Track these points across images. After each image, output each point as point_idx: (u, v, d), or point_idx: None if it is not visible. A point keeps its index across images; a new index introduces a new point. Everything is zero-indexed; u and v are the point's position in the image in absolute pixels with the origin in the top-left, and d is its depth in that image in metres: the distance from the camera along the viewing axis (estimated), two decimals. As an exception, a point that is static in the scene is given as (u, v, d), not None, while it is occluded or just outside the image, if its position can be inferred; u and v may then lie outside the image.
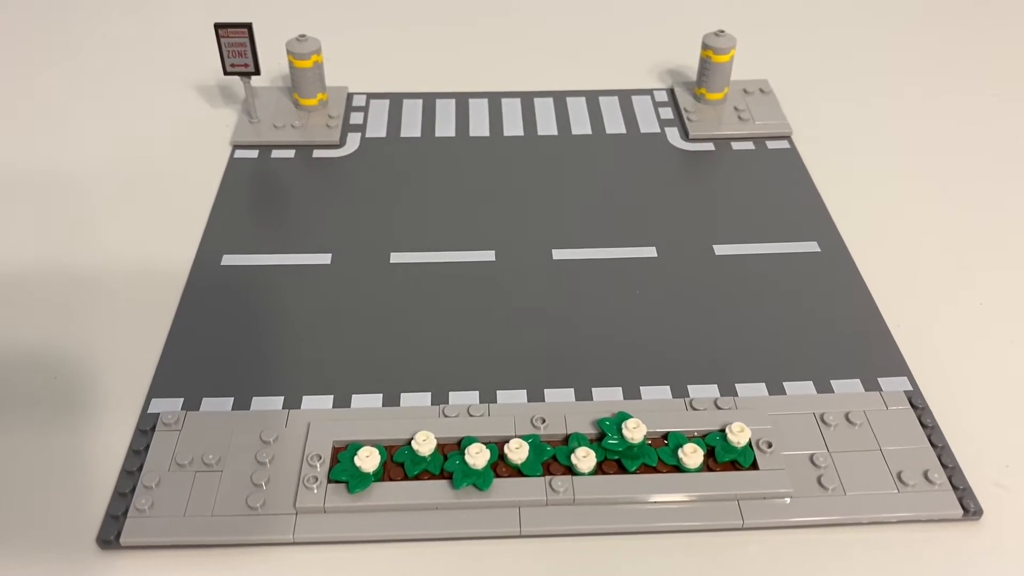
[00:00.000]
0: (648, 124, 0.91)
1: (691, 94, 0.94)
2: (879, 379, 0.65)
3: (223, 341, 0.67)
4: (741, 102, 0.92)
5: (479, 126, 0.91)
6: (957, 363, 0.67)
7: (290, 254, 0.75)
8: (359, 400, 0.63)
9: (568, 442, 0.59)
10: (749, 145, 0.88)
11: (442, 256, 0.75)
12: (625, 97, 0.95)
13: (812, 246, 0.76)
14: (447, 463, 0.57)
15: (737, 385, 0.64)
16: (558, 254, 0.75)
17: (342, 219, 0.79)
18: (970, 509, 0.56)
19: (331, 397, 0.63)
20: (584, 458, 0.57)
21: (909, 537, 0.56)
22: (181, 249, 0.75)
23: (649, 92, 0.96)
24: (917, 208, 0.81)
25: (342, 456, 0.58)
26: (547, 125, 0.91)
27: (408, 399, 0.63)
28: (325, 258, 0.75)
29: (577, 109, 0.93)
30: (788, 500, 0.57)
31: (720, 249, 0.76)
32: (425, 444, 0.58)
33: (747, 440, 0.59)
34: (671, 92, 0.96)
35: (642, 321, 0.69)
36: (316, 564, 0.54)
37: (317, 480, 0.57)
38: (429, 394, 0.63)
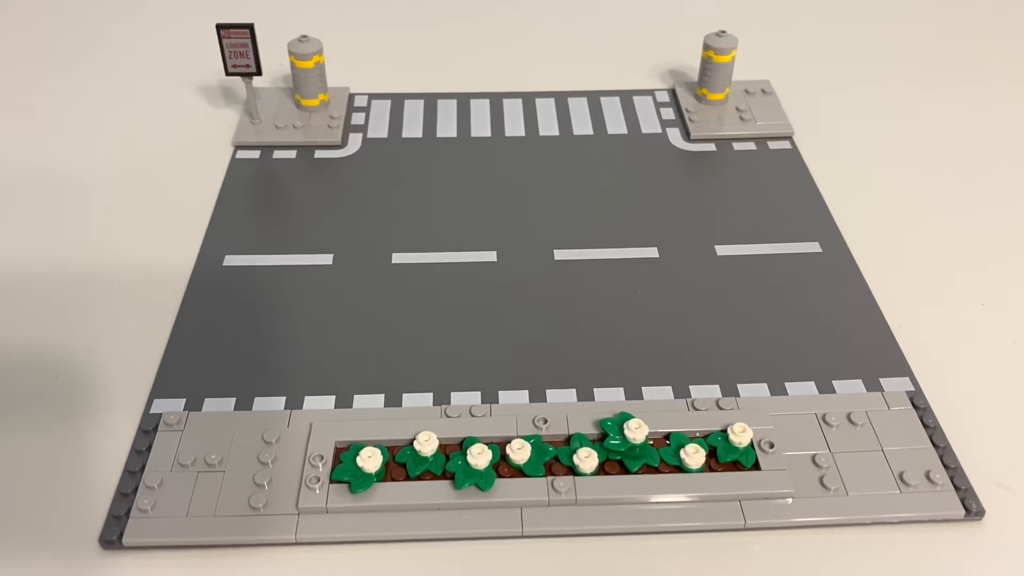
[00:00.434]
0: (650, 124, 0.91)
1: (693, 94, 0.94)
2: (881, 379, 0.65)
3: (225, 341, 0.67)
4: (743, 102, 0.92)
5: (480, 126, 0.91)
6: (959, 363, 0.67)
7: (292, 255, 0.75)
8: (361, 400, 0.63)
9: (570, 442, 0.59)
10: (751, 146, 0.88)
11: (444, 256, 0.75)
12: (626, 97, 0.95)
13: (814, 246, 0.76)
14: (449, 463, 0.57)
15: (739, 385, 0.64)
16: (560, 254, 0.75)
17: (344, 220, 0.79)
18: (972, 509, 0.56)
19: (333, 397, 0.63)
20: (586, 458, 0.57)
21: (911, 538, 0.56)
22: (183, 249, 0.75)
23: (651, 92, 0.96)
24: (918, 209, 0.81)
25: (344, 456, 0.58)
26: (548, 125, 0.91)
27: (410, 399, 0.63)
28: (327, 259, 0.75)
29: (578, 109, 0.93)
30: (790, 500, 0.57)
31: (722, 249, 0.76)
32: (427, 444, 0.58)
33: (749, 440, 0.59)
34: (672, 92, 0.96)
35: (644, 321, 0.69)
36: (318, 564, 0.54)
37: (319, 480, 0.57)
38: (431, 394, 0.63)
